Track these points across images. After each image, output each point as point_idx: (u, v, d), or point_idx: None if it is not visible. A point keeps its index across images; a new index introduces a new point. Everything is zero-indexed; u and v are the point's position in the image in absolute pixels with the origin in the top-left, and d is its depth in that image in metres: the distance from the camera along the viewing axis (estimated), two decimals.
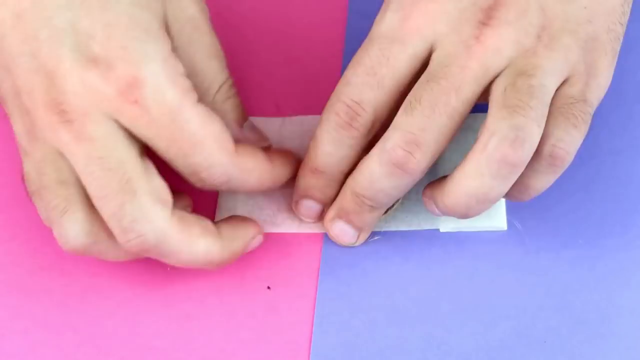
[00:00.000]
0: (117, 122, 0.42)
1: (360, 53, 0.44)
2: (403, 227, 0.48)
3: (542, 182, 0.43)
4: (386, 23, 0.44)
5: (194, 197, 0.50)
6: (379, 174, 0.43)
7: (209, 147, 0.43)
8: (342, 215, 0.46)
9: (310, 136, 0.49)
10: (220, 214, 0.49)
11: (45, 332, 0.47)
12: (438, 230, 0.48)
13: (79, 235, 0.43)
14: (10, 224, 0.50)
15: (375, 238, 0.48)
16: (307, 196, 0.47)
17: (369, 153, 0.43)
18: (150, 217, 0.42)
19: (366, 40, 0.44)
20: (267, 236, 0.49)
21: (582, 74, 0.43)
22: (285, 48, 0.55)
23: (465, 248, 0.48)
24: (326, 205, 0.47)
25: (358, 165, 0.44)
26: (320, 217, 0.48)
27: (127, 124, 0.42)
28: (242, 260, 0.48)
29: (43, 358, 0.46)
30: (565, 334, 0.45)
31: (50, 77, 0.42)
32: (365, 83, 0.44)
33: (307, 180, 0.46)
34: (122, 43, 0.41)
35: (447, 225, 0.48)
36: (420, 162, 0.42)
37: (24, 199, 0.51)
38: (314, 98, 0.52)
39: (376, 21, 0.45)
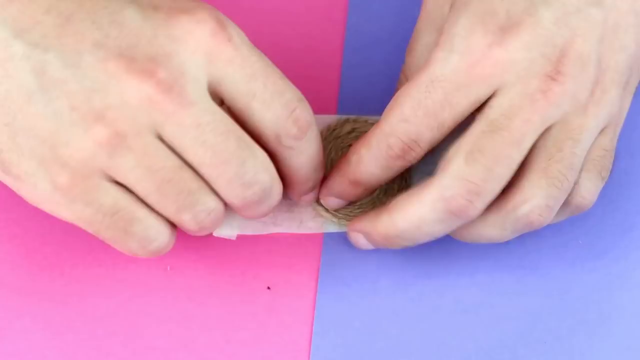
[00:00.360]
0: (208, 77, 0.41)
1: (419, 92, 0.43)
2: None
3: (561, 219, 0.45)
4: (452, 66, 0.43)
5: None
6: (430, 219, 0.43)
7: (288, 81, 0.43)
8: (369, 240, 0.46)
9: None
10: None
11: (45, 332, 0.47)
12: None
13: (218, 209, 0.43)
14: (10, 224, 0.50)
15: None
16: (341, 197, 0.47)
17: (418, 199, 0.43)
18: (267, 164, 0.42)
19: (427, 79, 0.43)
20: (267, 236, 0.49)
21: (615, 120, 0.44)
22: (283, 48, 0.55)
23: (465, 248, 0.48)
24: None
25: (398, 207, 0.44)
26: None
27: (222, 68, 0.41)
28: (242, 260, 0.49)
29: (43, 358, 0.46)
30: (565, 334, 0.45)
31: (130, 54, 0.40)
32: (425, 125, 0.43)
33: (344, 188, 0.46)
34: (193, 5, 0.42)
35: None
36: (478, 209, 0.42)
37: (24, 199, 0.52)
38: (313, 98, 0.51)
39: (439, 58, 0.43)
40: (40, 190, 0.41)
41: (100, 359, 0.46)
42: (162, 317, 0.47)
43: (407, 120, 0.44)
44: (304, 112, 0.43)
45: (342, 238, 0.49)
